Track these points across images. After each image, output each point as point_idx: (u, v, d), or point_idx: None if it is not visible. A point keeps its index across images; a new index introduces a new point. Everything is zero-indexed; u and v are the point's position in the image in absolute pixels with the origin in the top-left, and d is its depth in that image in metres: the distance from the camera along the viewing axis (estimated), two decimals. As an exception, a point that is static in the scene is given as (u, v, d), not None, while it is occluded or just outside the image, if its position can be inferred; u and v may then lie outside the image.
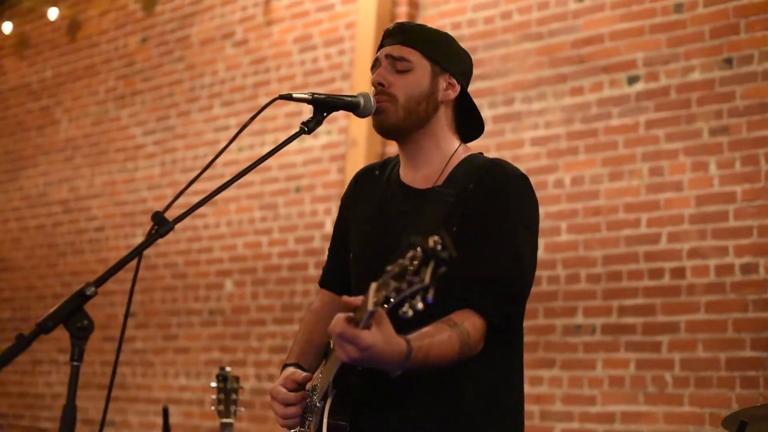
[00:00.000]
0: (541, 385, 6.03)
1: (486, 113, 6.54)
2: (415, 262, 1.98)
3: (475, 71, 6.55)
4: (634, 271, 5.81)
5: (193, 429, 7.91)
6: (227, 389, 4.40)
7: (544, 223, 6.14)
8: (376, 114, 2.75)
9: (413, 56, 2.78)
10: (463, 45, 6.68)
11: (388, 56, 2.79)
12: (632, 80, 6.01)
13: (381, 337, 2.24)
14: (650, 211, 5.81)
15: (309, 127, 2.63)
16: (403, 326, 2.26)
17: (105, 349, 8.69)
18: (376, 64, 2.84)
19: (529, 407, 6.00)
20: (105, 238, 9.14)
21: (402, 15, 7.11)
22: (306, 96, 2.64)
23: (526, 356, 6.07)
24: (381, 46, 2.86)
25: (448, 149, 2.82)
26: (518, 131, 6.43)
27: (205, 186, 8.17)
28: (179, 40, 8.91)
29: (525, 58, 6.50)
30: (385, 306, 2.07)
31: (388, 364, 2.31)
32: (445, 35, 2.90)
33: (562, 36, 6.36)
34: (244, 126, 2.54)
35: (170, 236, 8.32)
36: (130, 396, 8.48)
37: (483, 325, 2.55)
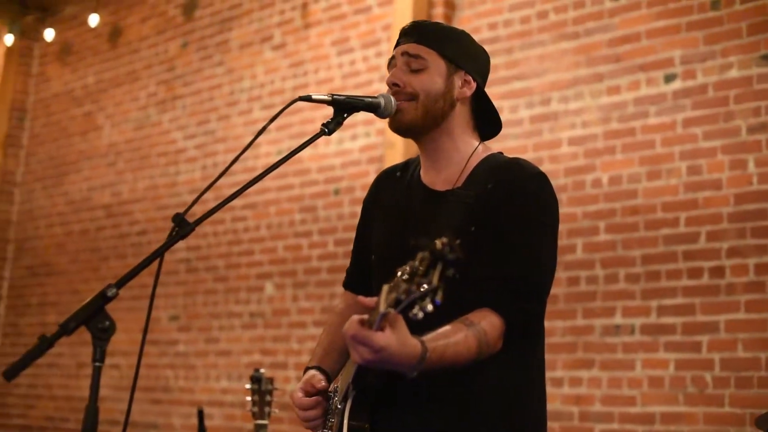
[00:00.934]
0: (581, 385, 6.00)
1: (523, 113, 6.53)
2: (424, 264, 1.98)
3: (512, 71, 6.58)
4: (673, 270, 5.77)
5: (234, 431, 7.94)
6: (261, 391, 4.41)
7: (582, 223, 6.12)
8: (394, 114, 2.74)
9: (428, 54, 2.77)
10: (500, 45, 6.73)
11: (403, 54, 2.78)
12: (669, 78, 5.97)
13: (395, 338, 2.24)
14: (689, 209, 5.77)
15: (329, 129, 2.63)
16: (420, 326, 2.25)
17: (149, 352, 8.74)
18: (391, 63, 2.83)
19: (568, 408, 5.98)
20: (147, 242, 9.21)
21: (438, 16, 7.10)
22: (325, 97, 2.63)
23: (565, 357, 6.08)
24: (397, 45, 2.85)
25: (467, 149, 2.81)
26: (555, 131, 6.41)
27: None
28: (219, 45, 8.97)
29: (561, 57, 6.48)
30: (396, 308, 2.06)
31: (403, 366, 2.30)
32: (462, 33, 2.89)
33: (599, 35, 6.33)
34: (262, 129, 2.55)
35: (211, 240, 8.42)
36: (173, 399, 8.53)
37: (501, 324, 2.54)
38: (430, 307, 2.00)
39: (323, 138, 7.64)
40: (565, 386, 6.05)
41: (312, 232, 7.80)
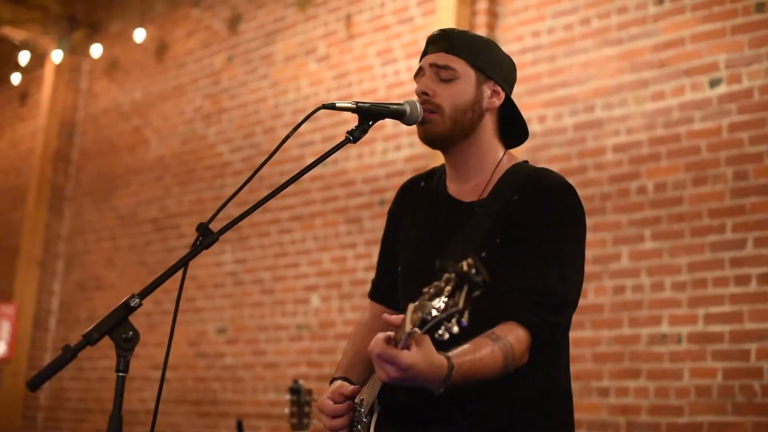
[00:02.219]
0: (627, 396, 5.93)
1: (567, 121, 6.48)
2: (450, 286, 1.96)
3: (555, 79, 6.54)
4: (720, 278, 5.69)
5: (282, 444, 7.94)
6: (300, 402, 4.41)
7: (627, 231, 6.06)
8: (422, 124, 2.71)
9: (458, 64, 2.73)
10: (543, 53, 6.69)
11: (432, 65, 2.75)
12: (714, 83, 5.89)
13: (421, 356, 2.23)
14: (735, 216, 5.69)
15: (354, 136, 2.61)
16: (446, 340, 2.24)
17: (197, 365, 8.77)
18: (419, 73, 2.79)
19: (615, 418, 5.92)
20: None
21: (481, 24, 7.08)
22: (350, 105, 2.62)
23: (611, 367, 6.01)
24: (424, 53, 2.81)
25: (494, 158, 2.78)
26: (600, 138, 6.35)
27: (289, 202, 8.23)
28: (263, 58, 9.00)
29: (605, 64, 6.42)
30: (422, 329, 2.05)
31: (429, 383, 2.30)
32: (489, 41, 2.86)
33: (643, 40, 6.27)
34: (286, 138, 2.53)
35: (257, 252, 8.44)
36: (221, 411, 8.55)
37: (527, 337, 2.51)
38: (456, 329, 1.99)
39: (368, 149, 7.69)
40: (611, 396, 5.98)
41: (357, 243, 7.79)
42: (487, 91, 2.76)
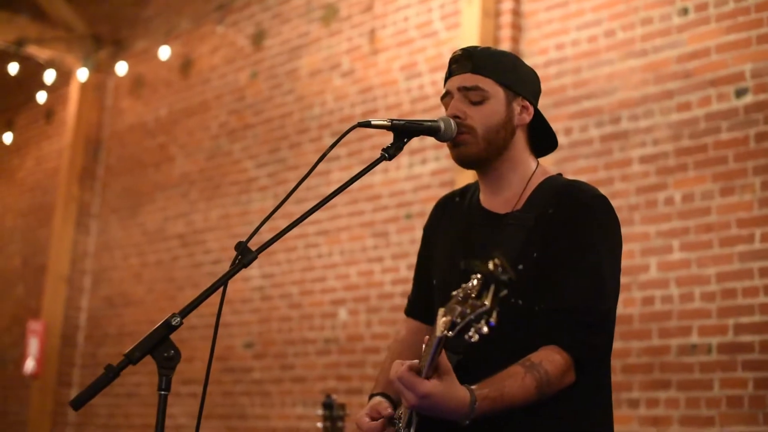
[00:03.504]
0: (658, 407, 5.92)
1: (593, 133, 6.48)
2: (477, 286, 1.98)
3: (581, 91, 6.54)
4: (749, 287, 5.67)
5: (311, 458, 7.95)
6: (333, 417, 4.42)
7: (655, 242, 6.05)
8: (455, 146, 2.73)
9: (486, 84, 2.75)
10: (568, 65, 6.70)
11: (460, 88, 2.76)
12: (740, 93, 5.89)
13: (442, 388, 2.28)
14: (764, 225, 5.67)
15: (390, 154, 2.63)
16: (491, 360, 2.26)
17: (224, 380, 8.79)
18: (446, 96, 2.81)
19: (646, 429, 5.90)
20: (221, 271, 9.18)
21: (505, 38, 7.09)
22: (385, 122, 2.64)
23: (641, 378, 5.99)
24: (449, 74, 2.82)
25: (527, 171, 2.80)
26: (626, 150, 6.35)
27: (315, 216, 8.24)
28: (288, 73, 9.03)
29: (630, 75, 6.43)
30: (452, 332, 2.06)
31: (451, 414, 2.35)
32: (512, 56, 2.87)
33: (667, 51, 6.27)
34: (324, 154, 2.56)
35: (284, 267, 8.46)
36: (249, 426, 8.56)
37: (565, 361, 2.53)
38: (485, 329, 2.01)
39: (393, 163, 7.71)
40: (641, 407, 5.97)
41: (384, 257, 7.80)
42: (516, 108, 2.78)
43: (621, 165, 6.35)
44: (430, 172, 7.55)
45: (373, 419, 2.73)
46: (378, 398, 2.82)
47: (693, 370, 5.82)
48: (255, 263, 8.88)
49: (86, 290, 11.06)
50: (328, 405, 4.44)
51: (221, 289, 2.44)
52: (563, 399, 2.58)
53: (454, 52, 2.85)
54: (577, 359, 2.54)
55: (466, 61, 2.79)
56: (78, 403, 2.24)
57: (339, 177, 8.21)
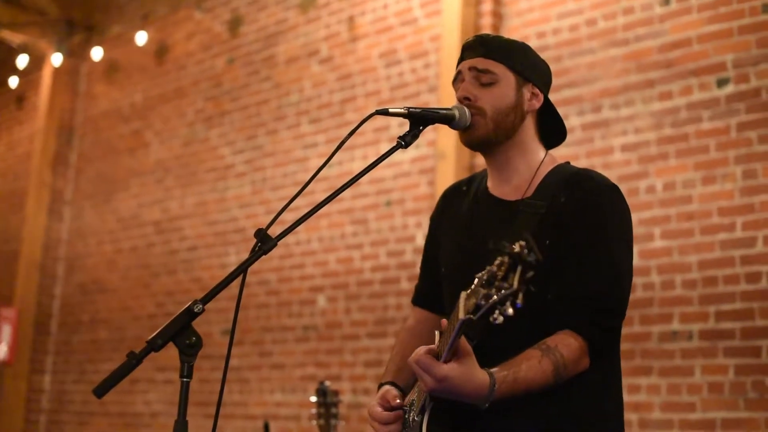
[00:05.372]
0: (639, 393, 5.98)
1: (574, 121, 6.52)
2: (503, 268, 2.00)
3: (562, 79, 6.58)
4: (730, 275, 5.74)
5: (290, 444, 7.97)
6: (327, 403, 4.43)
7: (637, 230, 6.05)
8: (465, 129, 2.76)
9: (497, 68, 2.78)
10: (549, 54, 6.73)
11: (471, 69, 2.80)
12: (722, 83, 5.94)
13: (460, 371, 2.30)
14: (745, 214, 5.74)
15: (406, 141, 2.65)
16: (505, 343, 2.28)
17: (202, 367, 8.77)
18: (458, 78, 2.84)
19: (627, 416, 5.93)
20: (197, 258, 9.26)
21: (486, 26, 7.12)
22: (402, 110, 2.66)
23: (623, 364, 6.01)
24: (461, 60, 2.86)
25: (535, 159, 2.83)
26: (607, 138, 6.40)
27: (297, 203, 8.23)
28: (265, 60, 9.02)
29: (612, 64, 6.47)
30: (476, 314, 2.08)
31: (471, 397, 2.37)
32: (524, 45, 2.90)
33: (649, 41, 6.32)
34: (342, 142, 2.57)
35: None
36: (227, 413, 8.56)
37: (581, 345, 2.57)
38: (510, 311, 2.01)
39: (373, 150, 7.72)
40: (624, 393, 6.01)
41: (364, 244, 7.82)
42: (526, 94, 2.81)
43: (602, 153, 6.40)
44: (410, 159, 7.57)
45: (384, 409, 2.74)
46: (387, 387, 2.83)
47: (674, 357, 5.89)
48: (232, 250, 8.88)
49: (59, 277, 11.00)
50: (321, 391, 4.45)
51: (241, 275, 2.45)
52: (578, 384, 2.61)
53: (467, 39, 2.88)
54: (591, 344, 2.57)
55: (478, 46, 2.83)
56: (101, 391, 2.26)
57: (316, 163, 8.20)
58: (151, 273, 9.77)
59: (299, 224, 2.51)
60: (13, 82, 11.19)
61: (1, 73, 11.47)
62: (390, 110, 2.64)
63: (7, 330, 10.69)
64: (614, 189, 2.74)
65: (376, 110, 2.61)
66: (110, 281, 10.28)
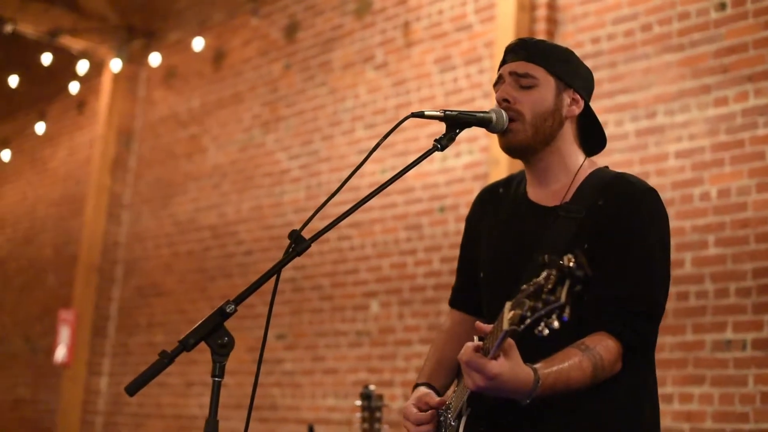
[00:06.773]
0: (692, 402, 5.91)
1: (628, 127, 6.47)
2: (551, 281, 1.99)
3: (616, 85, 6.53)
4: (785, 283, 5.66)
5: (342, 449, 7.98)
6: (372, 407, 4.43)
7: (691, 237, 6.04)
8: (504, 134, 2.75)
9: (538, 72, 2.76)
10: (603, 59, 6.67)
11: (512, 73, 2.78)
12: (778, 89, 5.87)
13: (508, 367, 2.29)
14: (801, 221, 5.66)
15: (442, 144, 2.64)
16: (537, 344, 2.27)
17: (255, 371, 8.81)
18: (499, 81, 2.82)
19: (679, 425, 5.90)
20: (253, 262, 9.31)
21: (540, 31, 7.08)
22: (438, 113, 2.65)
23: (675, 373, 5.98)
24: (503, 63, 2.85)
25: (574, 164, 2.81)
26: (662, 144, 6.34)
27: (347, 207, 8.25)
28: (321, 66, 9.05)
29: (666, 70, 6.41)
30: (521, 326, 2.07)
31: (516, 393, 2.35)
32: (567, 50, 2.88)
33: (705, 46, 6.25)
34: (377, 145, 2.56)
35: (316, 259, 8.48)
36: (280, 416, 8.59)
37: (617, 347, 2.55)
38: (556, 324, 2.02)
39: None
40: (675, 403, 5.96)
41: (417, 249, 7.81)
42: (566, 99, 2.79)
43: (656, 160, 6.34)
44: (463, 165, 7.55)
45: (420, 410, 2.73)
46: (423, 388, 2.83)
47: (727, 366, 5.81)
48: (287, 255, 8.91)
49: (117, 280, 11.12)
50: (366, 395, 4.45)
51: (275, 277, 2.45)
52: (615, 387, 2.59)
53: (510, 43, 2.87)
54: (627, 346, 2.55)
55: (520, 49, 2.82)
56: (133, 389, 2.27)
57: (370, 169, 8.20)
58: (208, 277, 9.83)
59: (331, 228, 2.51)
60: (74, 87, 11.31)
61: (62, 79, 11.59)
62: (426, 113, 2.64)
63: (66, 332, 10.81)
64: (652, 192, 2.71)
65: (412, 113, 2.60)
66: (167, 285, 10.36)
